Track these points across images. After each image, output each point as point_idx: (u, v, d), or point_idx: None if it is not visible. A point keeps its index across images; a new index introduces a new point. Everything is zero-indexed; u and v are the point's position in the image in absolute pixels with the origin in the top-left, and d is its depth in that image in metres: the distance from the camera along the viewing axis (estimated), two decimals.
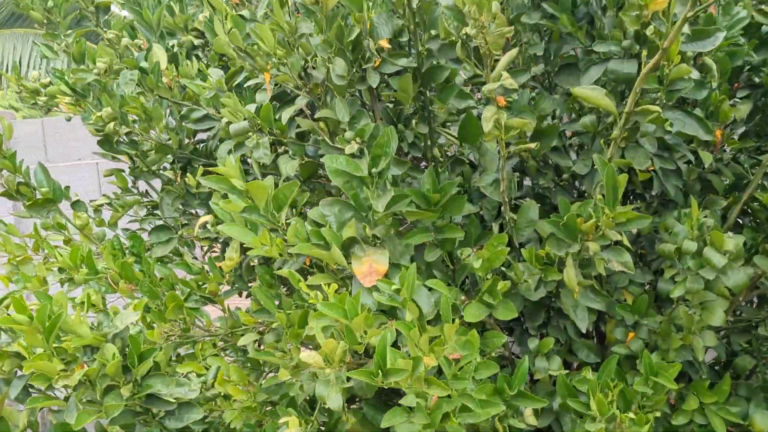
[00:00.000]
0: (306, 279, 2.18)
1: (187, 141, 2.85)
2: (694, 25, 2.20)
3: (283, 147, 2.48)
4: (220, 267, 2.52)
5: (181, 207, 2.84)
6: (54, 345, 1.97)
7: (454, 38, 2.27)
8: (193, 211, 2.92)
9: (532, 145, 2.19)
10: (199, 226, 2.44)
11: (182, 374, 2.55)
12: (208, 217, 2.35)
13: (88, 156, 5.09)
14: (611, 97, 2.18)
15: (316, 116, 2.31)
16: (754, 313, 2.62)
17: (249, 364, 2.61)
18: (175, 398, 2.05)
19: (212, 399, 2.45)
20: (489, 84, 2.04)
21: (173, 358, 2.69)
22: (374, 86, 2.28)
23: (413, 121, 2.44)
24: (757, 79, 2.49)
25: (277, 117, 2.37)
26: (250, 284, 2.82)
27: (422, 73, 2.32)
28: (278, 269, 2.41)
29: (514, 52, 2.06)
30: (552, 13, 2.34)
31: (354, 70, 2.27)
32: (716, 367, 2.77)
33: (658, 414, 2.16)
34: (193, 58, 2.71)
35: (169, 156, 2.84)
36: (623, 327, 2.44)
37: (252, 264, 2.67)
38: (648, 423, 2.08)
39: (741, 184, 2.60)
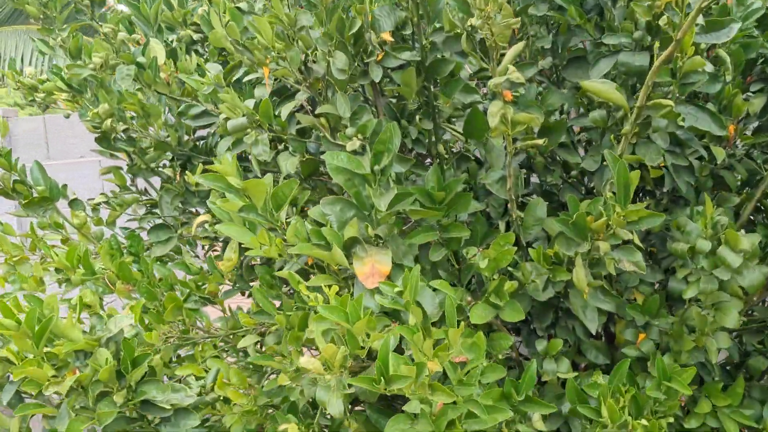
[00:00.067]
0: (308, 279, 2.09)
1: (186, 138, 2.75)
2: (708, 16, 2.10)
3: (283, 144, 2.38)
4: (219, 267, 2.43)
5: (180, 205, 2.75)
6: (45, 350, 1.87)
7: (458, 30, 2.16)
8: (192, 210, 2.82)
9: (540, 141, 2.09)
10: (196, 226, 2.34)
11: (181, 377, 2.46)
12: (206, 217, 2.25)
13: (90, 153, 4.99)
14: (622, 90, 2.08)
15: (316, 112, 2.21)
16: (767, 312, 2.52)
17: (251, 366, 2.52)
18: (171, 404, 1.94)
19: (211, 403, 2.35)
20: (495, 78, 1.95)
21: (173, 360, 2.60)
22: (377, 81, 2.18)
23: (417, 117, 2.34)
24: None
25: (276, 113, 2.27)
26: (251, 283, 2.73)
27: (426, 67, 2.22)
28: (279, 269, 2.31)
29: (520, 45, 1.97)
30: (560, 5, 2.24)
31: (356, 64, 2.17)
32: (728, 368, 2.66)
33: (671, 420, 2.06)
34: (192, 53, 2.61)
35: (168, 153, 2.74)
36: (633, 328, 2.35)
37: (253, 264, 2.57)
38: (661, 430, 1.97)
39: (754, 181, 2.50)
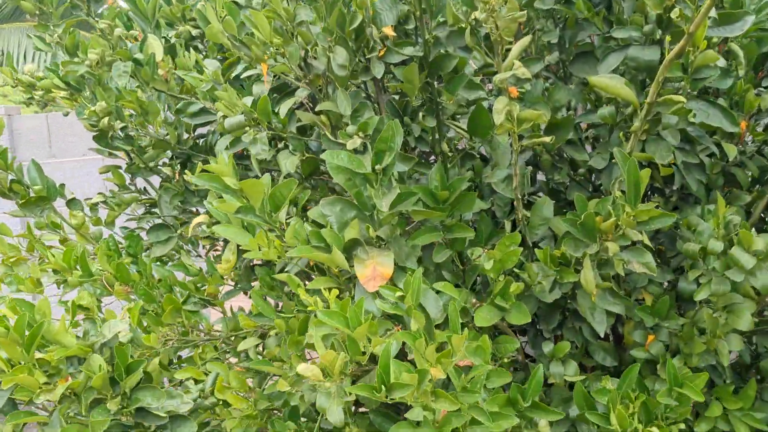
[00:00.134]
0: (310, 280, 2.01)
1: (186, 136, 2.67)
2: (720, 8, 2.01)
3: (283, 142, 2.30)
4: None
5: (180, 205, 2.66)
6: (38, 356, 1.79)
7: (462, 24, 2.08)
8: (193, 209, 2.74)
9: (547, 139, 2.00)
10: (193, 227, 2.25)
11: (180, 380, 2.38)
12: (203, 217, 2.17)
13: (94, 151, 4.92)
14: (631, 86, 1.98)
15: (316, 109, 2.12)
16: None
17: (252, 368, 2.44)
18: (167, 411, 1.86)
19: (211, 407, 2.27)
20: (500, 73, 1.86)
21: (174, 361, 2.52)
22: (378, 77, 2.10)
23: (420, 114, 2.24)
24: None
25: (276, 110, 2.18)
26: (254, 283, 2.64)
27: (429, 63, 2.13)
28: (280, 271, 2.23)
29: (526, 39, 1.88)
30: None
31: (357, 60, 2.08)
32: (738, 370, 2.57)
33: (682, 426, 1.97)
34: (191, 50, 2.52)
35: (168, 152, 2.66)
36: (642, 329, 2.26)
37: (254, 264, 2.48)
38: None
39: (765, 178, 2.41)
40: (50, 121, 5.21)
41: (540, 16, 2.30)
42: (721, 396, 2.22)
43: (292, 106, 2.15)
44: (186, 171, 2.58)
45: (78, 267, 2.39)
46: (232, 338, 2.48)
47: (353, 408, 2.42)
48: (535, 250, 2.12)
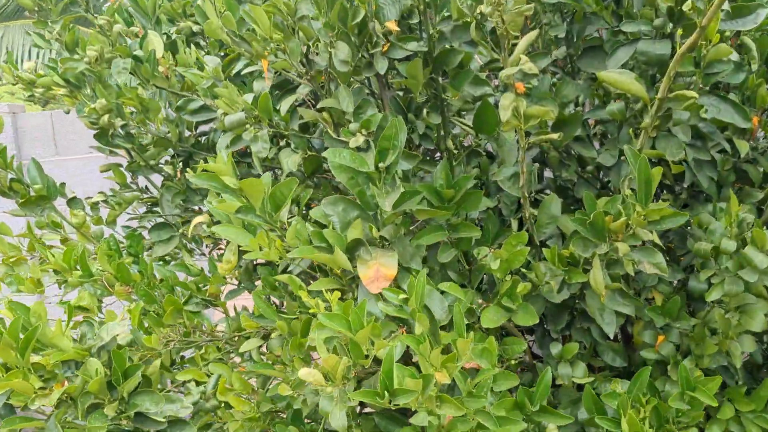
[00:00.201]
0: (314, 281, 1.94)
1: (188, 134, 2.60)
2: (733, 1, 1.93)
3: (285, 140, 2.23)
4: None
5: (182, 203, 2.59)
6: (33, 360, 1.73)
7: (468, 19, 2.00)
8: (195, 208, 2.67)
9: (555, 136, 1.93)
10: (193, 227, 2.19)
11: (182, 382, 2.31)
12: (203, 217, 2.10)
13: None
14: (641, 81, 1.91)
15: (318, 106, 2.05)
16: None
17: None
18: (166, 416, 1.80)
19: (212, 410, 2.21)
20: (507, 69, 1.79)
21: (177, 361, 2.45)
22: (382, 73, 2.02)
23: (424, 111, 2.17)
24: None
25: (277, 107, 2.11)
26: (257, 282, 2.57)
27: (434, 58, 2.05)
28: (282, 271, 2.16)
29: (533, 34, 1.81)
30: None
31: (360, 56, 2.01)
32: (749, 368, 2.49)
33: (694, 430, 1.89)
34: (192, 46, 2.45)
35: (169, 150, 2.59)
36: (652, 330, 2.19)
37: (256, 264, 2.41)
38: None
39: None
40: (55, 119, 5.15)
41: (547, 9, 2.22)
42: (733, 397, 2.15)
43: (293, 103, 2.08)
44: (188, 169, 2.51)
45: (78, 267, 2.32)
46: (236, 338, 2.42)
47: (358, 409, 2.36)
48: (543, 249, 2.06)
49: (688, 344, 2.14)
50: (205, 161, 2.24)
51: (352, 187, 1.84)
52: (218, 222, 2.00)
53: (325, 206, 1.86)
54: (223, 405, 2.24)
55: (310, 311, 1.79)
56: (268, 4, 1.89)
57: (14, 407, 1.93)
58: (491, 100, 2.18)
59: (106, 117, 2.39)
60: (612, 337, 2.15)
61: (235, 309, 2.49)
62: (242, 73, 2.30)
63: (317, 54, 2.02)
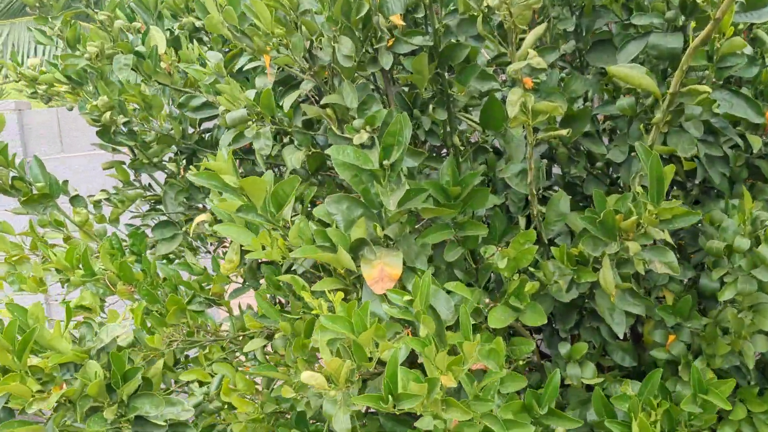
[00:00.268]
0: (318, 280, 1.88)
1: (191, 131, 2.54)
2: None
3: (288, 137, 2.17)
4: None
5: (185, 201, 2.54)
6: (31, 363, 1.67)
7: (474, 12, 1.94)
8: (198, 205, 2.61)
9: (563, 132, 1.86)
10: (195, 225, 2.13)
11: (185, 382, 2.26)
12: (206, 216, 2.05)
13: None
14: (652, 76, 1.84)
15: (321, 102, 1.99)
16: None
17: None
18: (167, 419, 1.74)
19: (216, 411, 2.15)
20: (514, 63, 1.73)
21: (181, 361, 2.40)
22: (387, 68, 1.96)
23: (430, 106, 2.11)
24: None
25: (280, 103, 2.05)
26: (262, 281, 2.52)
27: (439, 53, 1.99)
28: (287, 270, 2.10)
29: (541, 27, 1.75)
30: None
31: (364, 51, 1.95)
32: (761, 367, 2.42)
33: None
34: (194, 41, 2.40)
35: (173, 147, 2.53)
36: (663, 329, 2.12)
37: (260, 263, 2.36)
38: None
39: None
40: (61, 116, 5.10)
41: (555, 3, 2.16)
42: (745, 398, 2.09)
43: (296, 99, 2.02)
44: (191, 166, 2.46)
45: (80, 266, 2.27)
46: (240, 338, 2.36)
47: (363, 408, 2.30)
48: (551, 247, 1.99)
49: (700, 344, 2.08)
50: (209, 158, 2.18)
51: (355, 185, 1.78)
52: (221, 221, 1.95)
53: (328, 205, 1.80)
54: (226, 406, 2.18)
55: (313, 312, 1.73)
56: None
57: (14, 410, 1.88)
58: (498, 95, 2.12)
59: (108, 114, 2.33)
60: (622, 337, 2.09)
61: (240, 308, 2.44)
62: (245, 69, 2.25)
63: (320, 49, 1.96)
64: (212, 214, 2.04)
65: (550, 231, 2.08)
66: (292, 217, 1.84)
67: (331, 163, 2.13)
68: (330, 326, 1.58)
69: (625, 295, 1.93)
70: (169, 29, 2.61)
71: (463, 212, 1.94)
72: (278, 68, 2.08)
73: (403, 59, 2.04)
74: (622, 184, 2.28)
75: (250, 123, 1.99)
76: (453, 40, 2.01)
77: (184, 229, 2.55)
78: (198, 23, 2.49)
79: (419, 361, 1.66)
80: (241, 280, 2.57)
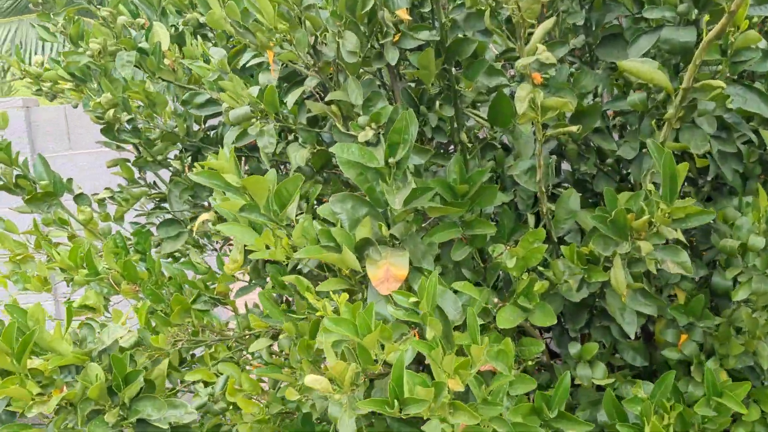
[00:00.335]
0: (324, 280, 1.83)
1: (196, 128, 2.49)
2: None
3: (293, 134, 2.11)
4: None
5: (190, 199, 2.48)
6: (31, 365, 1.63)
7: (482, 6, 1.88)
8: (204, 203, 2.56)
9: (574, 128, 1.80)
10: (198, 225, 2.08)
11: (191, 382, 2.22)
12: (209, 215, 2.00)
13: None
14: (664, 70, 1.78)
15: (326, 99, 1.94)
16: None
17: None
18: (169, 423, 1.70)
19: (221, 413, 2.11)
20: (523, 58, 1.67)
21: (188, 360, 2.36)
22: (393, 64, 1.90)
23: (437, 103, 2.05)
24: None
25: (285, 100, 2.00)
26: (269, 279, 2.47)
27: (446, 48, 1.93)
28: (292, 269, 2.06)
29: (550, 21, 1.69)
30: None
31: (369, 46, 1.89)
32: None
33: None
34: (198, 37, 2.35)
35: (178, 145, 2.48)
36: (675, 328, 2.06)
37: (266, 262, 2.31)
38: None
39: None
40: (68, 113, 5.05)
41: None
42: (759, 399, 2.03)
43: (300, 95, 1.97)
44: (195, 164, 2.41)
45: (84, 265, 2.23)
46: (246, 337, 2.32)
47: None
48: (561, 246, 1.94)
49: (712, 343, 2.02)
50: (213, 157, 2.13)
51: (361, 184, 1.73)
52: (225, 219, 1.90)
53: (332, 204, 1.75)
54: (231, 407, 2.14)
55: (318, 314, 1.68)
56: None
57: (15, 413, 1.84)
58: (507, 91, 2.06)
59: (111, 111, 2.28)
60: (633, 338, 2.03)
61: (246, 306, 2.39)
62: (250, 66, 2.19)
63: (325, 45, 1.91)
64: (216, 212, 1.99)
65: (560, 229, 2.03)
66: (297, 215, 1.79)
67: (337, 161, 2.08)
68: (334, 329, 1.53)
69: (636, 295, 1.88)
70: (173, 25, 2.56)
71: (470, 210, 1.88)
72: (282, 64, 2.02)
73: (410, 55, 1.98)
74: (632, 180, 2.22)
75: (253, 120, 1.94)
76: (460, 35, 1.95)
77: (189, 227, 2.50)
78: (202, 19, 2.44)
79: (426, 361, 1.61)
80: (247, 277, 2.53)
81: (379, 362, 1.57)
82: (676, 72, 1.96)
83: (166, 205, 2.58)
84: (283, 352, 2.13)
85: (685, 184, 2.29)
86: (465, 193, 1.85)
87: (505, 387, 1.65)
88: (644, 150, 2.06)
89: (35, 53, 10.51)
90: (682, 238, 1.74)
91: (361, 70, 2.00)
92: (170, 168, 2.55)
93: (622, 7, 1.99)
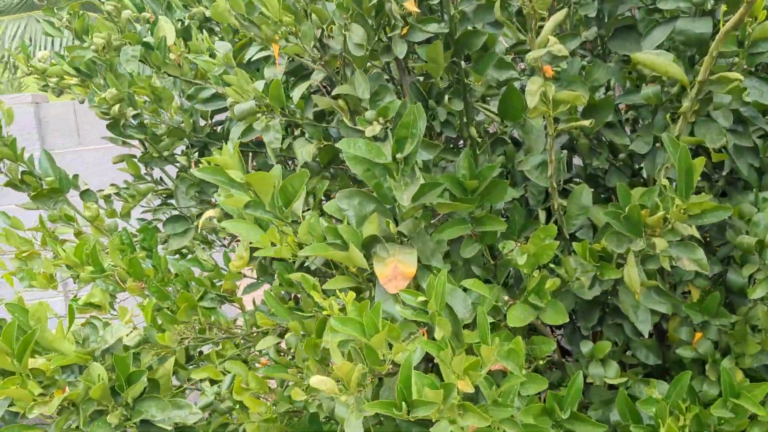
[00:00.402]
0: (332, 277, 1.78)
1: (203, 123, 2.44)
2: None
3: (300, 129, 2.06)
4: None
5: (197, 195, 2.43)
6: (33, 365, 1.58)
7: None
8: (211, 200, 2.51)
9: (586, 122, 1.74)
10: (203, 221, 2.03)
11: (196, 381, 2.17)
12: (214, 211, 1.95)
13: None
14: (679, 63, 1.72)
15: (333, 93, 1.88)
16: None
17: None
18: (174, 423, 1.65)
19: (227, 412, 2.06)
20: (534, 51, 1.61)
21: (196, 357, 2.31)
22: (401, 57, 1.84)
23: (446, 97, 1.99)
24: None
25: (291, 95, 1.94)
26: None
27: (455, 40, 1.87)
28: (299, 266, 2.00)
29: (562, 13, 1.64)
30: None
31: (377, 39, 1.83)
32: None
33: None
34: (204, 31, 2.29)
35: (185, 140, 2.44)
36: (689, 326, 2.00)
37: (272, 258, 2.26)
38: None
39: None
40: (77, 109, 5.01)
41: None
42: None
43: (307, 90, 1.91)
44: (201, 160, 2.36)
45: (89, 262, 2.18)
46: (254, 334, 2.27)
47: None
48: (573, 242, 1.88)
49: (728, 342, 1.96)
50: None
51: (368, 180, 1.67)
52: (230, 216, 1.85)
53: (339, 200, 1.69)
54: (238, 405, 2.09)
55: (324, 312, 1.63)
56: None
57: (18, 413, 1.80)
58: (517, 84, 2.00)
59: (116, 107, 2.24)
60: (647, 336, 1.97)
61: (254, 303, 2.34)
62: (257, 60, 2.14)
63: (332, 37, 1.85)
64: (221, 209, 1.94)
65: (572, 225, 1.97)
66: (303, 212, 1.74)
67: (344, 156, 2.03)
68: (340, 328, 1.48)
69: (650, 293, 1.82)
70: (180, 20, 2.51)
71: (480, 206, 1.83)
72: (288, 58, 1.97)
73: (418, 48, 1.92)
74: (645, 176, 2.16)
75: (259, 115, 1.89)
76: (469, 27, 1.89)
77: (195, 223, 2.46)
78: (208, 13, 2.38)
79: (436, 360, 1.56)
80: (255, 274, 2.48)
81: (387, 362, 1.52)
82: (691, 64, 1.89)
83: (173, 201, 2.53)
84: (291, 350, 2.08)
85: (699, 179, 2.23)
86: (475, 189, 1.80)
87: (516, 388, 1.59)
88: (657, 144, 2.00)
89: (44, 49, 10.48)
90: (697, 234, 1.68)
91: (368, 64, 1.94)
92: (177, 164, 2.50)
93: None
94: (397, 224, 1.69)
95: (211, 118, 2.50)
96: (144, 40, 2.21)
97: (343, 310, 1.62)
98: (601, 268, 1.81)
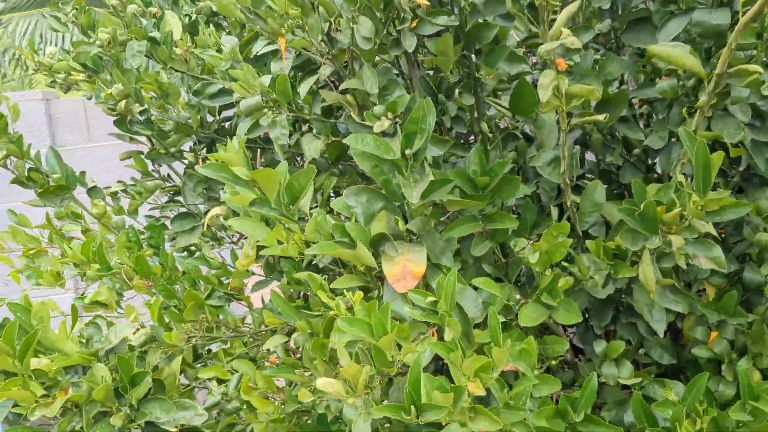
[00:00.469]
0: (340, 276, 1.73)
1: (211, 119, 2.39)
2: None
3: (307, 124, 2.01)
4: None
5: (204, 192, 2.39)
6: (35, 365, 1.54)
7: None
8: (218, 197, 2.46)
9: (600, 117, 1.68)
10: (209, 218, 1.99)
11: (204, 380, 2.13)
12: (220, 209, 1.90)
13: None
14: (696, 55, 1.65)
15: (340, 88, 1.83)
16: None
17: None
18: (179, 425, 1.60)
19: (234, 411, 2.01)
20: (546, 44, 1.55)
21: (204, 355, 2.27)
22: (410, 50, 1.79)
23: (456, 91, 1.94)
24: None
25: (299, 90, 1.89)
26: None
27: (466, 33, 1.82)
28: (307, 264, 1.96)
29: (575, 5, 1.58)
30: None
31: (386, 32, 1.78)
32: None
33: None
34: (211, 26, 2.24)
35: (192, 136, 2.39)
36: (704, 325, 1.94)
37: (279, 256, 2.21)
38: None
39: None
40: (87, 105, 4.98)
41: None
42: None
43: (314, 84, 1.86)
44: (207, 156, 2.32)
45: (96, 259, 2.14)
46: (262, 333, 2.22)
47: None
48: (586, 240, 1.82)
49: (744, 341, 1.90)
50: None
51: (376, 176, 1.62)
52: (237, 213, 1.81)
53: (347, 197, 1.64)
54: (245, 405, 2.04)
55: (332, 312, 1.58)
56: None
57: (21, 414, 1.75)
58: (529, 78, 1.94)
59: (123, 103, 2.19)
60: (661, 336, 1.91)
61: (262, 300, 2.30)
62: (264, 54, 2.09)
63: (339, 31, 1.80)
64: (228, 206, 1.90)
65: (585, 222, 1.91)
66: (311, 209, 1.68)
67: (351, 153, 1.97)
68: (348, 329, 1.43)
69: (665, 292, 1.76)
70: (187, 15, 2.46)
71: (491, 203, 1.77)
72: (295, 52, 1.92)
73: (427, 41, 1.86)
74: (659, 171, 2.10)
75: (265, 110, 1.83)
76: (480, 20, 1.83)
77: (203, 220, 2.41)
78: (215, 7, 2.33)
79: (446, 360, 1.51)
80: (263, 271, 2.43)
81: (395, 364, 1.47)
82: (708, 57, 1.83)
83: (181, 198, 2.49)
84: (300, 349, 2.03)
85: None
86: (485, 186, 1.74)
87: (529, 390, 1.54)
88: (673, 139, 1.93)
89: (54, 46, 10.46)
90: (714, 231, 1.62)
91: (377, 58, 1.89)
92: (184, 160, 2.45)
93: None
94: (406, 222, 1.64)
95: (219, 113, 2.45)
96: (150, 35, 2.16)
97: (350, 309, 1.57)
98: (615, 266, 1.76)
